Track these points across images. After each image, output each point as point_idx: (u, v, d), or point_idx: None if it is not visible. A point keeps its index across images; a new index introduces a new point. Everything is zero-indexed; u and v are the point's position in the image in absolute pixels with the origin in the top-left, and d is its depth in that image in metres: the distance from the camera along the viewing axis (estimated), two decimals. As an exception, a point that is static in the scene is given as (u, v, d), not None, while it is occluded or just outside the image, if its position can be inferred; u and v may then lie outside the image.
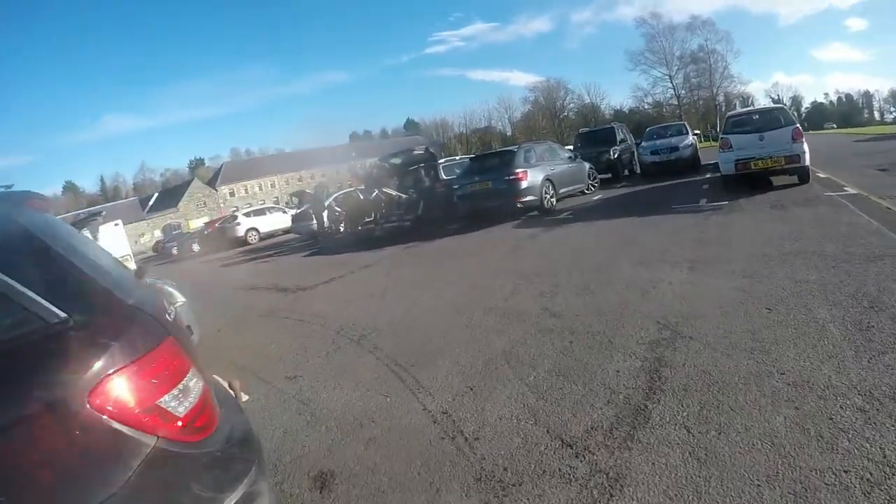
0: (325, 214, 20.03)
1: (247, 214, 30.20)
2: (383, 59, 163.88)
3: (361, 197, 20.32)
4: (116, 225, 18.32)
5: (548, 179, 14.07)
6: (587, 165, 17.03)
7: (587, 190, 16.75)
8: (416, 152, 17.14)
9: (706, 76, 77.97)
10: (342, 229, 19.88)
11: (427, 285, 8.00)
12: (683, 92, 79.35)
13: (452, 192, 15.05)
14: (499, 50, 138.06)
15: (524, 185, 13.37)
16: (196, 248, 32.26)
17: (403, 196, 16.91)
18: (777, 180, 12.03)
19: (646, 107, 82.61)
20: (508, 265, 8.38)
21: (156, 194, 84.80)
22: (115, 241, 17.34)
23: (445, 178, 16.73)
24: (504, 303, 6.16)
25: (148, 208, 77.99)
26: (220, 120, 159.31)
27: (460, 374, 4.32)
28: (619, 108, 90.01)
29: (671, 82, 79.58)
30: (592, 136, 22.41)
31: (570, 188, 15.62)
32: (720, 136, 13.11)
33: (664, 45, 79.05)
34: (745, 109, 19.31)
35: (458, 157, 19.33)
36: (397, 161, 17.93)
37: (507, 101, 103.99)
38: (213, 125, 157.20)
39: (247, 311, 9.11)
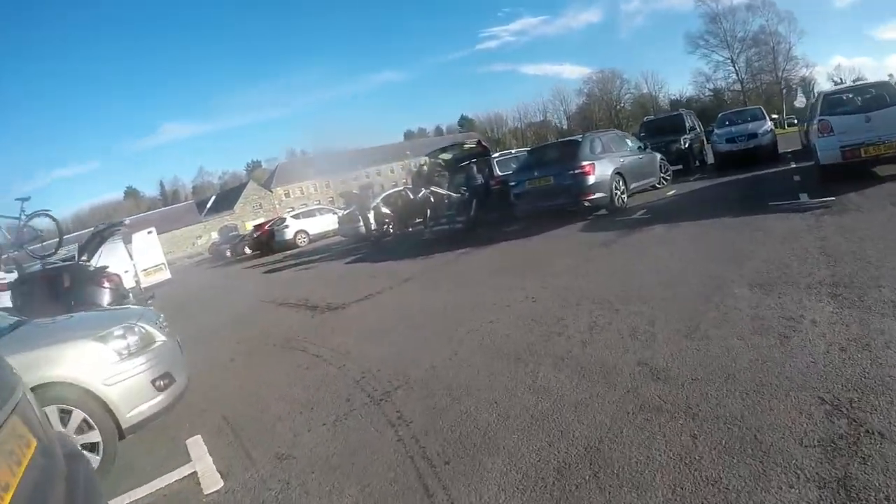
0: (370, 216, 18.70)
1: (295, 217, 29.46)
2: (436, 58, 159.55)
3: (410, 196, 18.94)
4: (150, 233, 17.44)
5: (618, 173, 12.22)
6: (658, 156, 15.05)
7: (659, 184, 14.71)
8: (467, 146, 15.53)
9: (768, 59, 73.19)
10: (390, 231, 18.55)
11: (477, 313, 6.35)
12: (746, 76, 74.98)
13: (509, 189, 13.40)
14: (549, 43, 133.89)
15: (592, 179, 11.56)
16: (248, 250, 32.29)
17: (454, 195, 15.34)
18: (882, 169, 9.84)
19: (707, 93, 78.68)
20: (580, 284, 6.64)
21: (213, 197, 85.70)
22: (148, 249, 16.43)
23: (500, 173, 15.08)
24: (581, 349, 4.46)
25: (205, 211, 78.66)
26: (277, 122, 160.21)
27: (519, 491, 2.72)
28: (676, 96, 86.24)
29: (733, 66, 75.21)
30: (660, 124, 20.29)
31: (642, 182, 13.65)
32: (818, 118, 10.90)
33: (725, 27, 74.72)
34: (842, 87, 16.83)
35: (513, 151, 17.56)
36: (447, 156, 16.39)
37: (562, 93, 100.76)
38: (270, 128, 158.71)
39: (265, 337, 7.82)
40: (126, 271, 15.14)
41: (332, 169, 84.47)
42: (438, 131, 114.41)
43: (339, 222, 22.94)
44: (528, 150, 15.21)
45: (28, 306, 10.87)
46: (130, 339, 4.73)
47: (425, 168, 17.03)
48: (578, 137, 12.94)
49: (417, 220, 18.31)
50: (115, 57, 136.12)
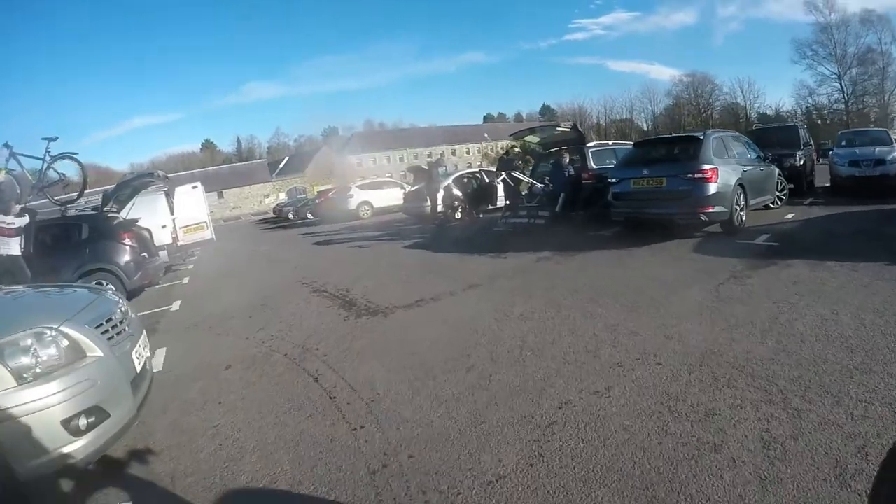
0: (439, 196, 16.76)
1: (361, 187, 27.97)
2: (522, 44, 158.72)
3: (486, 180, 16.86)
4: (194, 188, 16.02)
5: (740, 184, 9.76)
6: (776, 171, 12.35)
7: (773, 204, 12.13)
8: (560, 129, 13.25)
9: (874, 81, 66.12)
10: (457, 216, 16.57)
11: (571, 368, 4.29)
12: (850, 96, 68.54)
13: (607, 186, 11.14)
14: (640, 41, 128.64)
15: (713, 188, 9.16)
16: (310, 216, 31.70)
17: (538, 185, 13.16)
18: None
19: (806, 108, 72.55)
20: (720, 342, 4.47)
21: (286, 158, 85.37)
22: (190, 205, 14.91)
23: (595, 166, 12.80)
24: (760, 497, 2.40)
25: (277, 171, 78.51)
26: (358, 93, 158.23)
27: None
28: (771, 108, 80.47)
29: (840, 82, 68.42)
30: (770, 135, 17.21)
31: (759, 199, 11.04)
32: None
33: (835, 39, 68.11)
34: None
35: (610, 143, 15.11)
36: (535, 139, 14.21)
37: (652, 91, 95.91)
38: (350, 97, 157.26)
39: (279, 340, 6.14)
40: (164, 226, 13.69)
41: (407, 143, 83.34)
42: (518, 118, 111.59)
43: (404, 199, 21.12)
44: (634, 143, 12.68)
45: (39, 256, 9.69)
46: (42, 353, 3.29)
47: (514, 151, 14.91)
48: (699, 134, 10.37)
49: (489, 207, 16.28)
50: (208, 14, 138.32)
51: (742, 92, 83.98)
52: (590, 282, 6.88)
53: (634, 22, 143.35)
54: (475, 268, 8.79)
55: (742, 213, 9.83)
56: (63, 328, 3.44)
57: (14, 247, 9.37)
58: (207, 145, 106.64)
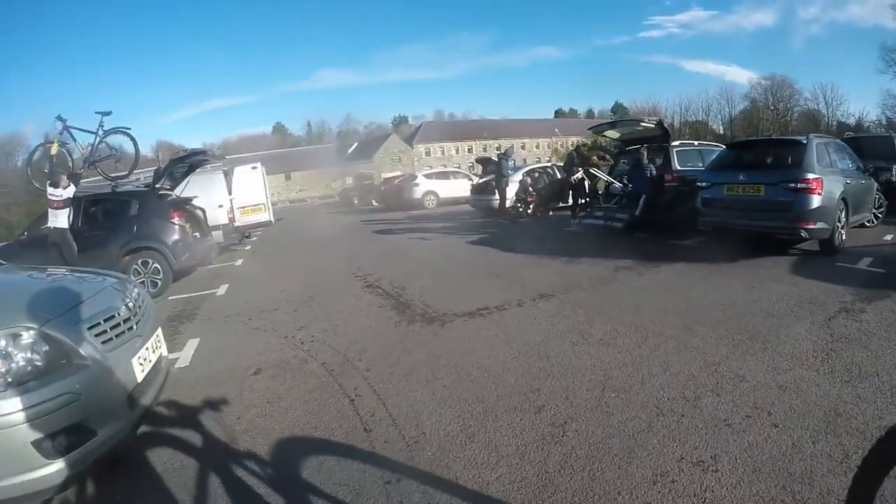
0: (509, 190, 15.82)
1: (427, 176, 27.39)
2: (596, 40, 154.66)
3: (558, 175, 15.88)
4: (254, 168, 15.64)
5: (843, 198, 8.47)
6: (875, 185, 10.79)
7: (869, 223, 10.44)
8: (644, 124, 12.09)
9: None
10: (527, 212, 15.64)
11: (667, 421, 3.35)
12: None
13: (692, 190, 10.01)
14: (716, 41, 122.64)
15: (817, 201, 7.82)
16: (374, 202, 31.60)
17: (617, 184, 12.08)
18: None
19: (889, 119, 67.36)
20: (840, 393, 3.45)
21: (355, 144, 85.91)
22: (248, 186, 14.47)
23: (680, 168, 11.62)
24: None
25: (345, 156, 78.95)
26: (430, 83, 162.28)
27: None
28: (854, 116, 75.07)
29: None
30: (863, 145, 15.28)
31: (858, 216, 9.50)
32: None
33: None
34: None
35: (695, 143, 13.78)
36: (615, 134, 13.09)
37: (729, 93, 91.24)
38: (422, 87, 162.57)
39: (319, 342, 5.44)
40: (220, 206, 13.28)
41: (476, 134, 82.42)
42: (590, 114, 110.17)
43: (470, 191, 20.26)
44: (728, 144, 11.31)
45: (87, 231, 9.54)
46: (16, 357, 2.75)
47: (586, 145, 13.85)
48: (802, 138, 9.01)
49: (560, 205, 15.28)
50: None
51: (824, 98, 78.93)
52: (680, 302, 5.81)
53: (711, 21, 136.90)
54: (546, 274, 7.82)
55: (842, 232, 8.50)
56: (46, 328, 2.85)
57: (62, 220, 9.20)
58: (278, 128, 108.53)
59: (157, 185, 10.36)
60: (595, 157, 12.92)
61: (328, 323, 6.14)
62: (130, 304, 3.59)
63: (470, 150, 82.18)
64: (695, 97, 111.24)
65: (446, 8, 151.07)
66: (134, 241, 9.59)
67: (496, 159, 17.42)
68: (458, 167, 50.57)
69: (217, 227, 13.11)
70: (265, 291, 8.53)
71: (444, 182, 26.64)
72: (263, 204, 14.83)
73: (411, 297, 6.92)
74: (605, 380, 3.90)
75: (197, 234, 10.92)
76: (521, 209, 15.68)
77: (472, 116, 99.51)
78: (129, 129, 10.46)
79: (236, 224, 13.84)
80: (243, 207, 14.27)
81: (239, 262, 12.90)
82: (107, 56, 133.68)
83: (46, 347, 2.79)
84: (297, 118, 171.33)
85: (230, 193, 13.66)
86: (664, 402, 3.51)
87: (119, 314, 3.39)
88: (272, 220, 15.80)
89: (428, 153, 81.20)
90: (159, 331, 3.94)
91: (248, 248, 15.97)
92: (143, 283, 9.53)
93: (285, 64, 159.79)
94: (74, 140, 10.56)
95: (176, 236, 9.74)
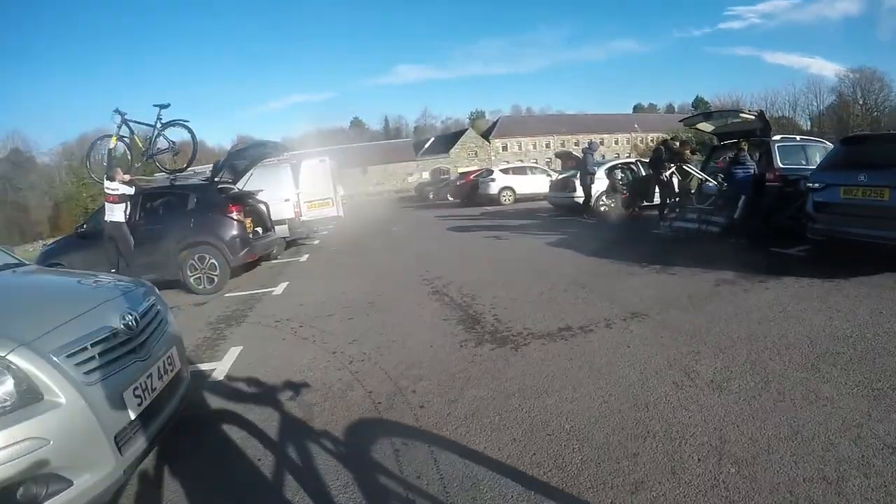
0: (595, 188, 14.75)
1: (504, 171, 26.35)
2: (674, 32, 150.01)
3: (642, 172, 14.70)
4: (322, 161, 14.94)
5: None
6: None
7: None
8: (742, 116, 10.72)
9: None
10: (611, 212, 14.60)
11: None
12: None
13: (797, 192, 8.76)
14: (800, 32, 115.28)
15: None
16: (450, 197, 30.93)
17: (712, 182, 10.85)
18: None
19: None
20: None
21: (432, 138, 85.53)
22: (316, 179, 13.95)
23: (782, 166, 10.27)
24: None
25: (422, 151, 78.86)
26: (507, 78, 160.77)
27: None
28: None
29: None
30: None
31: None
32: None
33: None
34: None
35: (797, 138, 12.19)
36: (708, 127, 11.80)
37: (818, 87, 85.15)
38: (498, 82, 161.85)
39: (369, 368, 4.64)
40: (286, 200, 12.85)
41: (553, 129, 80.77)
42: (670, 108, 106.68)
43: (549, 187, 19.21)
44: (842, 139, 9.81)
45: (145, 224, 9.34)
46: None
47: (676, 139, 12.60)
48: None
49: (645, 204, 14.10)
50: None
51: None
52: (801, 332, 4.66)
53: (794, 11, 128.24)
54: (637, 285, 6.79)
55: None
56: (12, 356, 2.34)
57: (118, 213, 9.01)
58: (356, 122, 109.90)
59: (215, 179, 9.93)
60: (688, 152, 11.66)
61: (384, 337, 5.40)
62: (133, 322, 2.94)
63: (547, 146, 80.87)
64: (781, 91, 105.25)
65: (524, 2, 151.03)
66: (191, 235, 9.26)
67: (578, 154, 16.41)
68: (535, 162, 49.47)
69: (283, 222, 12.68)
70: (324, 293, 7.95)
71: (522, 178, 25.63)
72: (331, 198, 14.23)
73: (482, 310, 6.07)
74: (721, 444, 2.93)
75: (259, 228, 10.46)
76: (610, 207, 14.61)
77: (550, 111, 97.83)
78: (188, 121, 10.11)
79: (303, 218, 13.36)
80: (310, 202, 13.74)
81: (304, 257, 12.44)
82: (193, 51, 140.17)
83: (10, 380, 2.26)
84: (374, 113, 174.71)
85: (297, 187, 13.19)
86: (799, 484, 2.53)
87: (115, 335, 2.76)
88: (342, 214, 15.27)
89: (505, 148, 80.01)
90: (174, 350, 3.30)
91: (317, 242, 15.56)
92: (199, 279, 9.23)
93: (364, 58, 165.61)
94: (133, 133, 10.31)
95: (234, 231, 9.31)
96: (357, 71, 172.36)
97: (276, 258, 12.45)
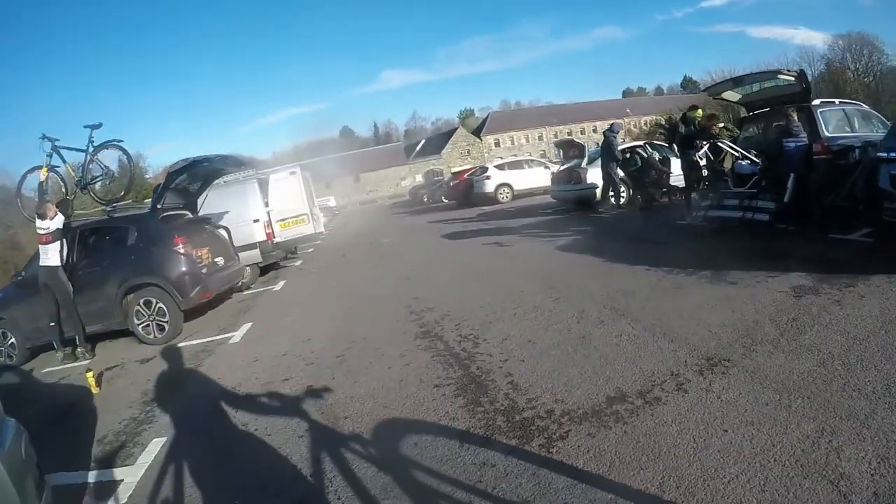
0: (619, 171, 12.84)
1: (499, 167, 24.21)
2: (657, 15, 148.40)
3: (656, 156, 12.97)
4: (292, 174, 12.87)
5: None
6: None
7: None
8: (782, 77, 8.97)
9: None
10: (620, 203, 12.95)
11: None
12: None
13: (854, 165, 7.24)
14: (782, 4, 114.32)
15: None
16: (444, 199, 29.38)
17: (748, 161, 9.10)
18: None
19: None
20: None
21: (422, 141, 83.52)
22: (288, 194, 12.08)
23: (830, 134, 8.57)
24: None
25: (413, 154, 77.12)
26: (493, 75, 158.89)
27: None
28: None
29: None
30: None
31: None
32: None
33: None
34: None
35: (836, 102, 10.38)
36: (735, 96, 10.09)
37: (810, 56, 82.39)
38: (485, 79, 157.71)
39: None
40: (255, 220, 11.18)
41: (544, 121, 79.11)
42: (659, 91, 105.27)
43: (552, 180, 17.34)
44: None
45: (84, 265, 7.95)
46: None
47: (696, 109, 10.74)
48: None
49: (663, 191, 12.45)
50: (346, 10, 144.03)
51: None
52: None
53: None
54: (693, 306, 5.03)
55: None
56: None
57: (53, 256, 7.47)
58: (345, 131, 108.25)
59: (158, 206, 8.28)
60: (717, 127, 9.84)
61: (347, 424, 3.74)
62: None
63: (540, 138, 79.35)
64: (773, 63, 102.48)
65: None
66: (132, 276, 7.68)
67: (580, 142, 14.73)
68: (530, 155, 47.88)
69: (253, 246, 11.03)
70: (287, 340, 6.37)
71: (518, 172, 23.69)
72: (307, 214, 12.25)
73: (488, 365, 4.36)
74: None
75: (221, 258, 8.84)
76: (614, 199, 12.88)
77: (539, 104, 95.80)
78: (122, 141, 8.51)
79: (277, 240, 11.62)
80: (283, 220, 11.88)
81: (279, 285, 10.80)
82: (178, 67, 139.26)
83: None
84: (363, 120, 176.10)
85: (267, 205, 11.48)
86: None
87: None
88: (321, 230, 13.58)
89: (497, 144, 78.23)
90: None
91: (299, 263, 13.92)
92: (147, 327, 7.67)
93: (350, 68, 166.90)
94: (65, 162, 8.73)
95: (182, 268, 7.70)
96: (345, 80, 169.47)
97: (247, 288, 10.83)
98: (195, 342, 7.25)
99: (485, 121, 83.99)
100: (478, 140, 77.93)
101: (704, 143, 9.43)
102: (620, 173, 12.75)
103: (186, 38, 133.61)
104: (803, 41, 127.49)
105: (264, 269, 12.52)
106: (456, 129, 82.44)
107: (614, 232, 9.80)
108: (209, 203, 10.03)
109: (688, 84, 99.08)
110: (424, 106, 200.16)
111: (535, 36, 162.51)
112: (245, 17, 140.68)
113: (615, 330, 4.69)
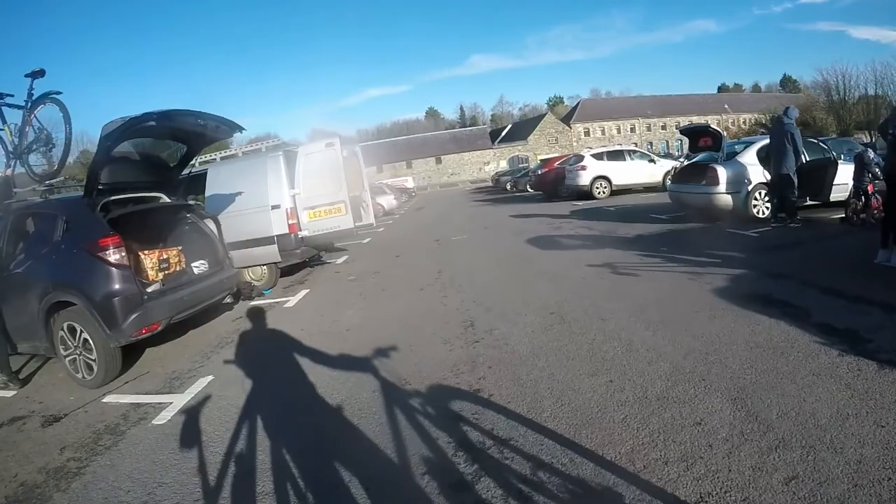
0: (749, 178, 9.43)
1: (597, 157, 20.52)
2: (754, 9, 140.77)
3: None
4: (330, 145, 9.16)
5: None
6: None
7: None
8: None
9: None
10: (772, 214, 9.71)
11: None
12: None
13: None
14: (887, 3, 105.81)
15: None
16: (530, 189, 27.21)
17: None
18: None
19: None
20: None
21: (509, 125, 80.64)
22: (321, 175, 8.76)
23: None
24: None
25: (499, 138, 73.88)
26: (582, 64, 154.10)
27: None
28: None
29: None
30: None
31: None
32: None
33: None
34: None
35: None
36: None
37: None
38: (574, 68, 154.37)
39: None
40: (275, 207, 8.38)
41: (637, 112, 75.53)
42: (756, 88, 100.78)
43: (671, 178, 13.71)
44: None
45: (9, 265, 5.44)
46: None
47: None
48: None
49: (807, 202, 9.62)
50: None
51: None
52: None
53: None
54: None
55: None
56: None
57: None
58: (431, 113, 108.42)
59: (97, 186, 5.37)
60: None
61: None
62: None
63: (632, 129, 75.20)
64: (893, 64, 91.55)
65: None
66: (51, 288, 5.04)
67: (717, 129, 11.12)
68: (635, 145, 44.03)
69: (270, 241, 8.20)
70: (279, 407, 3.66)
71: (619, 164, 20.06)
72: (344, 202, 8.96)
73: None
74: None
75: (202, 263, 6.02)
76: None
77: (630, 94, 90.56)
78: (60, 93, 5.78)
79: (303, 234, 8.62)
80: (312, 208, 8.76)
81: (298, 297, 7.91)
82: (268, 49, 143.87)
83: None
84: (450, 103, 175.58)
85: (293, 187, 8.51)
86: None
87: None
88: (369, 221, 10.50)
89: (587, 133, 73.71)
90: None
91: (341, 261, 11.04)
92: (75, 362, 5.05)
93: (438, 52, 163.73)
94: (5, 123, 6.17)
95: (110, 284, 4.88)
96: (432, 63, 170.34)
97: (259, 296, 8.09)
98: (127, 399, 4.58)
99: (575, 108, 79.48)
100: (566, 128, 73.66)
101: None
102: (750, 177, 9.42)
103: (280, 20, 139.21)
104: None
105: (293, 268, 9.80)
106: (544, 115, 78.30)
107: (803, 268, 6.29)
108: (215, 181, 7.29)
109: (787, 83, 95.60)
110: (511, 92, 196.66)
111: (625, 26, 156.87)
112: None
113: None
